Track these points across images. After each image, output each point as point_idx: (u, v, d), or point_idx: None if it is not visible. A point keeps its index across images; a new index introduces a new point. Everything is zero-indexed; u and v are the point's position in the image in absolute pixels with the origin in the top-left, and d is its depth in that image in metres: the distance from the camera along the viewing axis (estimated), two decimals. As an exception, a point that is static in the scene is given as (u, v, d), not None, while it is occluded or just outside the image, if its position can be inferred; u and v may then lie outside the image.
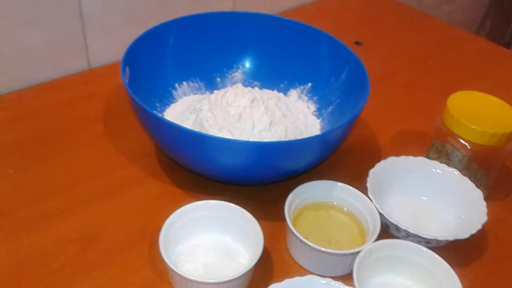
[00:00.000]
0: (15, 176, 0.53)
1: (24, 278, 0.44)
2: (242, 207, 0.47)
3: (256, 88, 0.63)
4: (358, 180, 0.51)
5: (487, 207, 0.53)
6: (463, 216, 0.50)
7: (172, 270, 0.41)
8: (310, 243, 0.44)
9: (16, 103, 0.63)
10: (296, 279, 0.41)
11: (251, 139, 0.52)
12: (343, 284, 0.41)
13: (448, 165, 0.53)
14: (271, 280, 0.46)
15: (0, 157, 0.55)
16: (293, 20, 0.63)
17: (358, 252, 0.43)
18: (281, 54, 0.64)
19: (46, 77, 0.67)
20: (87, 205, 0.51)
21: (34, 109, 0.62)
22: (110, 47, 0.70)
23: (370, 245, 0.44)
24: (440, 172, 0.52)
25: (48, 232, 0.48)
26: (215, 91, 0.58)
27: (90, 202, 0.51)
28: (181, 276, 0.41)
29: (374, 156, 0.60)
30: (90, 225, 0.49)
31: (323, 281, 0.40)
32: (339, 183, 0.50)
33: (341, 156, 0.59)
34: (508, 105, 0.54)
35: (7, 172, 0.53)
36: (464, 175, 0.52)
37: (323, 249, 0.44)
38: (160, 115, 0.58)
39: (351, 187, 0.50)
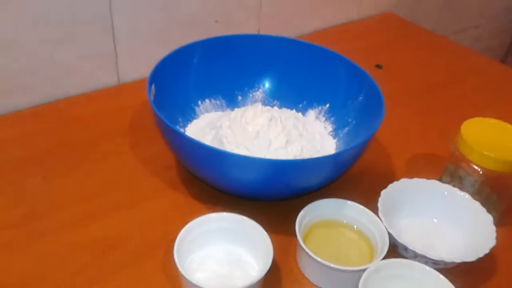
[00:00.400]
0: (44, 183, 0.56)
1: (45, 280, 0.47)
2: (255, 220, 0.48)
3: (275, 107, 0.65)
4: (371, 200, 0.52)
5: (499, 232, 0.53)
6: (472, 240, 0.50)
7: (184, 278, 0.43)
8: (318, 258, 0.45)
9: (49, 114, 0.67)
10: (302, 292, 0.42)
11: (267, 157, 0.54)
12: (347, 300, 0.42)
13: (461, 189, 0.54)
14: (280, 292, 0.47)
15: (32, 165, 0.58)
16: (312, 43, 0.66)
17: (365, 269, 0.45)
18: (301, 76, 0.66)
19: (78, 90, 0.71)
20: (109, 213, 0.53)
21: (65, 120, 0.66)
22: (139, 65, 0.74)
23: (376, 263, 0.45)
24: (452, 195, 0.53)
25: (71, 237, 0.51)
26: (236, 109, 0.60)
27: (112, 210, 0.54)
28: (192, 283, 0.43)
29: (389, 177, 0.61)
30: (110, 232, 0.52)
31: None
32: (351, 202, 0.52)
33: (356, 175, 0.61)
34: (521, 132, 0.54)
35: (36, 179, 0.57)
36: (477, 199, 0.53)
37: (330, 264, 0.45)
38: (181, 130, 0.61)
39: (362, 206, 0.51)
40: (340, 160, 0.51)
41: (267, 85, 0.68)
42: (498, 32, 1.44)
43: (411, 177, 0.55)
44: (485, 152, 0.51)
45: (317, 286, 0.48)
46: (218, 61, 0.64)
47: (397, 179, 0.55)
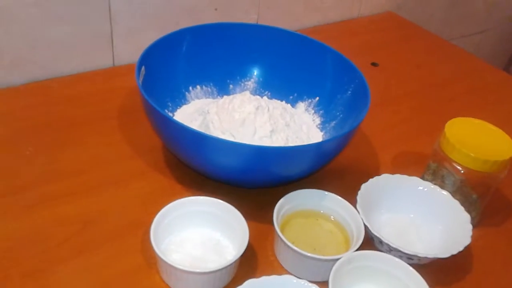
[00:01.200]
0: (31, 157, 0.57)
1: (25, 252, 0.47)
2: (236, 207, 0.49)
3: (265, 98, 0.65)
4: (353, 193, 0.52)
5: (477, 232, 0.54)
6: (448, 237, 0.51)
7: (160, 258, 0.44)
8: (293, 246, 0.46)
9: (42, 91, 0.68)
10: (273, 277, 0.43)
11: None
12: (317, 287, 0.42)
13: (442, 187, 0.54)
14: (253, 277, 0.48)
15: (22, 139, 0.59)
16: (304, 35, 0.66)
17: (338, 259, 0.45)
18: (292, 68, 0.66)
19: (73, 70, 0.72)
20: (91, 191, 0.54)
21: (57, 98, 0.67)
22: (135, 48, 0.74)
23: (349, 253, 0.45)
24: (431, 193, 0.54)
25: (52, 211, 0.51)
26: (225, 96, 0.61)
27: (95, 188, 0.54)
28: (167, 264, 0.43)
29: (373, 172, 0.61)
30: (91, 209, 0.52)
31: (298, 281, 0.42)
32: (330, 193, 0.52)
33: (341, 168, 0.61)
34: (505, 133, 0.54)
35: (24, 153, 0.57)
36: (457, 198, 0.53)
37: (304, 252, 0.46)
38: (170, 114, 0.61)
39: (340, 198, 0.52)
40: (322, 150, 0.51)
41: (259, 75, 0.68)
42: (502, 40, 1.43)
43: (395, 173, 0.56)
44: (466, 151, 0.51)
45: (292, 274, 0.49)
46: (210, 48, 0.65)
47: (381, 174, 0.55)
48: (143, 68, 0.56)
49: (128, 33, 0.74)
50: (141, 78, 0.55)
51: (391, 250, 0.48)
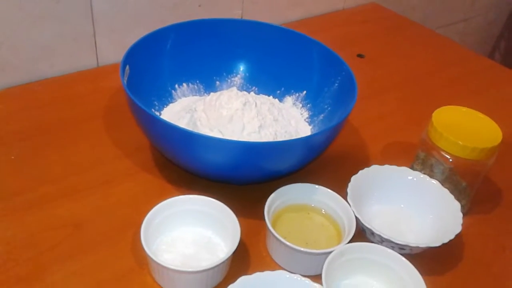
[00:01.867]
0: (16, 163, 0.56)
1: (14, 257, 0.47)
2: (227, 204, 0.48)
3: (252, 93, 0.65)
4: (343, 186, 0.52)
5: (468, 219, 0.54)
6: (439, 226, 0.51)
7: (151, 259, 0.43)
8: (285, 241, 0.46)
9: (26, 95, 0.67)
10: (266, 273, 0.42)
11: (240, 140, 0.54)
12: (310, 281, 0.42)
13: (431, 176, 0.54)
14: (246, 274, 0.48)
15: (6, 144, 0.58)
16: (289, 29, 0.66)
17: (331, 252, 0.45)
18: (279, 62, 0.66)
19: (56, 72, 0.71)
20: (80, 194, 0.53)
21: (42, 101, 0.66)
22: (118, 48, 0.74)
23: (342, 246, 0.45)
24: (420, 182, 0.54)
25: (42, 215, 0.51)
26: (211, 93, 0.60)
27: (84, 191, 0.54)
28: (158, 264, 0.43)
29: (363, 164, 0.61)
30: (81, 212, 0.52)
31: (291, 276, 0.42)
32: (320, 187, 0.52)
33: (330, 161, 0.61)
34: (492, 121, 0.55)
35: (9, 158, 0.56)
36: (447, 187, 0.53)
37: (296, 247, 0.45)
38: (156, 113, 0.61)
39: (331, 191, 0.52)
40: (311, 144, 0.51)
41: (245, 70, 0.68)
42: (486, 27, 1.44)
43: (384, 164, 0.56)
44: (454, 139, 0.51)
45: (285, 269, 0.49)
46: (195, 45, 0.64)
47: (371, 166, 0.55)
48: (127, 67, 0.56)
49: (111, 33, 0.73)
50: (125, 78, 0.54)
51: (383, 241, 0.48)
